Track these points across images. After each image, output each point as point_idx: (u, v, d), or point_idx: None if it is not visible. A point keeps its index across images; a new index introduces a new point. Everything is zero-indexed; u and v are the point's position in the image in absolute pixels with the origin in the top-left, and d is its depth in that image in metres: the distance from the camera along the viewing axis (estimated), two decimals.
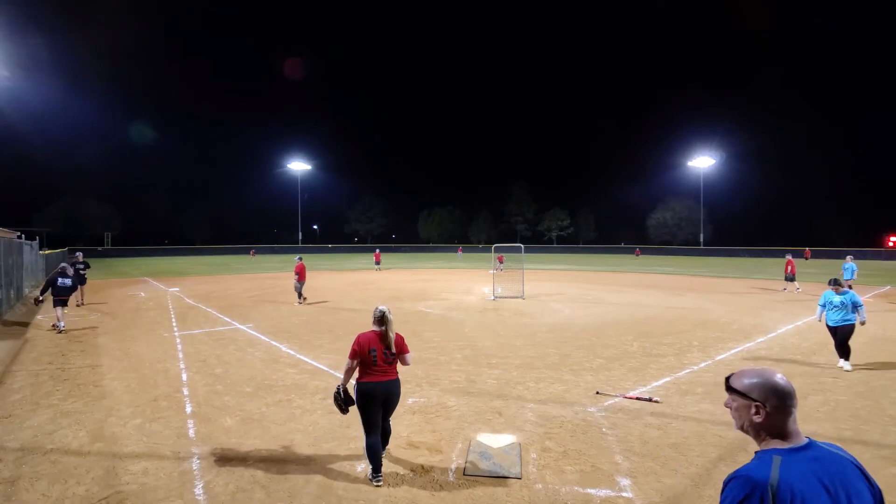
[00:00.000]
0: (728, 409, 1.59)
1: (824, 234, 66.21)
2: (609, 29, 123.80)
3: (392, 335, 4.16)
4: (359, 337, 4.14)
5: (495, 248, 21.11)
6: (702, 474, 4.19)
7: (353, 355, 4.08)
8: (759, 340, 9.79)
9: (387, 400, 4.17)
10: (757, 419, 1.48)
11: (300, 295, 15.87)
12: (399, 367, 4.30)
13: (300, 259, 16.22)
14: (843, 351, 7.63)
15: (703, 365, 7.87)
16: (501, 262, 32.69)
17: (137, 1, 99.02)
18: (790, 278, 19.01)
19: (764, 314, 13.27)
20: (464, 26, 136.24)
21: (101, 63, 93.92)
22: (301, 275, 15.73)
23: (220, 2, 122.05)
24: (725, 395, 1.45)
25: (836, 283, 7.83)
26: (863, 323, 7.58)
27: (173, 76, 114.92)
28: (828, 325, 7.78)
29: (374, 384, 4.07)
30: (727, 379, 1.60)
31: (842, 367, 7.56)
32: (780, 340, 9.81)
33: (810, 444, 1.45)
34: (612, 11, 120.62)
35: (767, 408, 1.46)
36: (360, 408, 4.10)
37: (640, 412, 5.70)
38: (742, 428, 1.55)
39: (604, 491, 3.93)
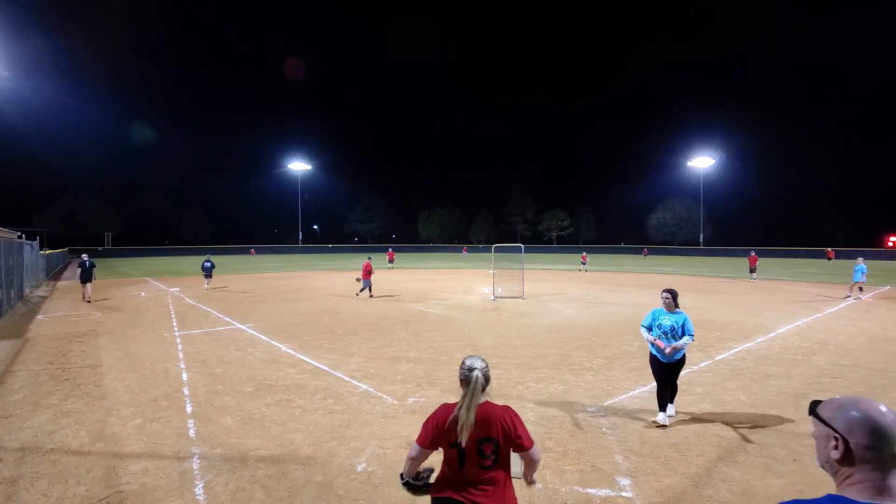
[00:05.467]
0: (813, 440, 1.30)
1: (824, 234, 66.22)
2: (609, 30, 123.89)
3: (471, 415, 2.22)
4: (438, 412, 2.35)
5: (495, 248, 21.09)
6: (702, 474, 4.19)
7: (424, 441, 2.32)
8: (758, 340, 9.79)
9: None
10: (834, 455, 1.19)
11: (369, 290, 17.19)
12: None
13: (369, 258, 18.12)
14: (674, 388, 5.47)
15: (703, 365, 7.87)
16: (585, 261, 33.12)
17: (138, 1, 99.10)
18: (752, 269, 23.42)
19: (764, 314, 13.26)
20: (465, 27, 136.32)
21: (101, 63, 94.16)
22: (364, 272, 17.24)
23: (220, 2, 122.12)
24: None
25: (671, 296, 5.33)
26: (669, 349, 5.15)
27: (173, 76, 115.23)
28: (655, 359, 5.35)
29: None
30: (813, 403, 1.31)
31: (656, 422, 5.28)
32: (780, 340, 9.81)
33: None
34: (612, 12, 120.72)
35: (850, 444, 1.16)
36: None
37: (640, 412, 5.70)
38: (823, 465, 1.25)
39: (604, 491, 3.93)
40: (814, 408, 1.29)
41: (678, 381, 5.52)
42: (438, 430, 2.29)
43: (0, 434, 5.09)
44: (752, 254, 24.64)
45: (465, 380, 2.30)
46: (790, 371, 7.51)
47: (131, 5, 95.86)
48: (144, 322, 12.15)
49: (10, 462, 4.44)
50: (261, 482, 4.06)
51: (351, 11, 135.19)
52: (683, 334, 5.21)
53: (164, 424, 5.35)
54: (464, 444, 2.21)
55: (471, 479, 2.24)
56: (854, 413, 1.18)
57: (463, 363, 2.37)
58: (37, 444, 4.82)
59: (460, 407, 2.25)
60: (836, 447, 1.18)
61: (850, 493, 1.15)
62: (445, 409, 2.34)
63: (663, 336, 5.24)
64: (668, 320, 5.27)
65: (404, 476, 2.47)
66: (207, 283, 20.42)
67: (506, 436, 2.25)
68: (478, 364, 2.32)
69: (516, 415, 2.34)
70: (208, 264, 20.48)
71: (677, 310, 5.33)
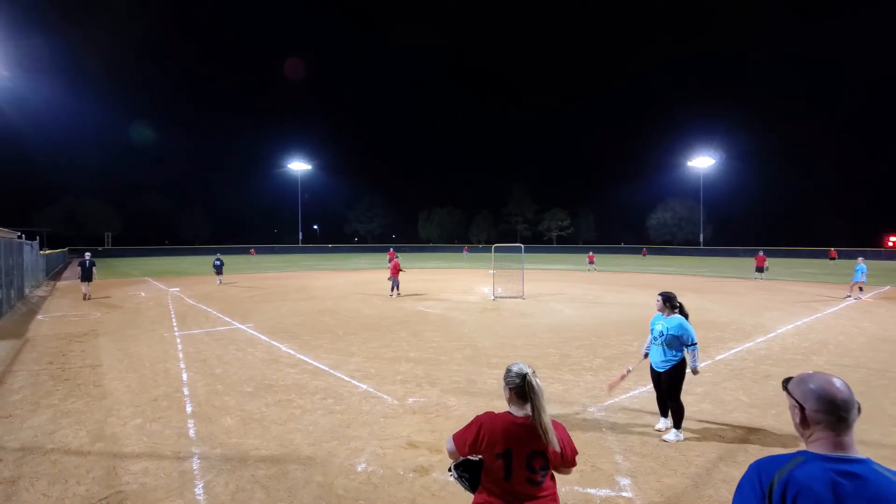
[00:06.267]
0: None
1: (824, 234, 66.20)
2: (609, 30, 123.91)
3: (548, 425, 2.13)
4: (481, 420, 2.24)
5: (495, 248, 21.09)
6: (702, 474, 4.19)
7: (462, 444, 2.24)
8: (758, 340, 9.79)
9: None
10: (795, 419, 1.48)
11: (396, 289, 17.30)
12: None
13: (397, 258, 18.51)
14: (673, 406, 4.96)
15: (702, 365, 7.86)
16: (592, 261, 33.57)
17: (138, 1, 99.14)
18: (759, 269, 24.02)
19: (764, 314, 13.26)
20: (465, 26, 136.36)
21: (102, 63, 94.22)
22: (393, 270, 17.36)
23: (220, 2, 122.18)
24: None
25: (661, 299, 5.05)
26: (694, 371, 4.87)
27: (173, 76, 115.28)
28: (651, 367, 5.12)
29: None
30: (784, 380, 1.60)
31: (659, 431, 5.08)
32: (780, 340, 9.81)
33: (860, 462, 1.34)
34: (612, 13, 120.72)
35: (807, 410, 1.43)
36: None
37: (640, 412, 5.70)
38: (795, 430, 1.53)
39: (604, 491, 3.93)
40: (785, 384, 1.57)
41: (682, 400, 4.96)
42: (481, 438, 2.18)
43: (0, 434, 5.09)
44: (760, 253, 25.01)
45: (518, 388, 2.17)
46: (790, 371, 7.51)
47: (131, 5, 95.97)
48: (144, 322, 12.15)
49: (10, 462, 4.44)
50: (261, 482, 4.06)
51: (351, 11, 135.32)
52: (677, 341, 4.81)
53: (164, 424, 5.35)
54: (555, 447, 2.12)
55: (517, 493, 2.12)
56: (809, 385, 1.46)
57: (510, 371, 2.23)
58: (37, 444, 4.82)
59: (535, 414, 2.13)
60: (799, 414, 1.47)
61: (812, 449, 1.42)
62: (492, 416, 2.23)
63: (654, 342, 5.02)
64: (660, 325, 4.98)
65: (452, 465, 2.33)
66: (220, 280, 22.51)
67: (555, 454, 2.14)
68: (526, 369, 2.22)
69: (567, 433, 2.26)
70: (218, 262, 22.63)
71: (674, 314, 4.98)
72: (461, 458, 2.29)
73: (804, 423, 1.45)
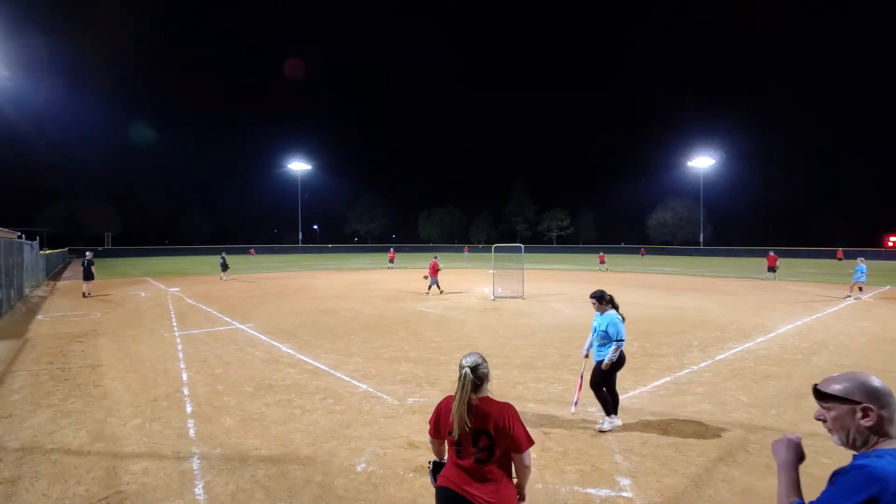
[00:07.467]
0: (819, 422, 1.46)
1: (824, 234, 66.14)
2: (610, 29, 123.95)
3: (462, 408, 2.28)
4: (441, 403, 2.50)
5: (495, 248, 21.10)
6: (702, 474, 4.19)
7: (431, 429, 2.52)
8: (758, 340, 9.79)
9: None
10: (866, 423, 1.34)
11: (438, 287, 18.33)
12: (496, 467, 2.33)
13: (436, 258, 19.54)
14: (603, 399, 5.14)
15: (703, 365, 7.87)
16: (603, 261, 34.19)
17: (137, 1, 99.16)
18: (771, 269, 24.32)
19: (764, 314, 13.26)
20: (465, 27, 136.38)
21: (102, 63, 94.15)
22: (432, 270, 18.35)
23: (220, 1, 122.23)
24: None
25: (600, 299, 5.21)
26: (601, 363, 5.07)
27: (173, 76, 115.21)
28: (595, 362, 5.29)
29: (446, 493, 2.33)
30: (815, 387, 1.46)
31: (600, 427, 5.12)
32: (780, 340, 9.80)
33: None
34: (613, 12, 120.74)
35: (876, 408, 1.34)
36: None
37: (639, 412, 5.69)
38: (847, 438, 1.39)
39: (604, 491, 3.93)
40: (823, 392, 1.42)
41: (609, 390, 5.16)
42: (439, 419, 2.44)
43: (0, 434, 5.09)
44: (771, 253, 25.30)
45: (461, 376, 2.38)
46: (790, 371, 7.51)
47: (131, 5, 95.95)
48: (144, 322, 12.15)
49: (10, 462, 4.44)
50: (261, 482, 4.06)
51: (351, 11, 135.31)
52: (607, 336, 5.04)
53: (164, 424, 5.35)
54: (455, 437, 2.30)
55: (468, 470, 2.30)
56: (866, 384, 1.36)
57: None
58: (37, 444, 4.82)
59: (460, 402, 2.33)
60: (865, 416, 1.34)
61: (886, 446, 1.31)
62: (450, 399, 2.44)
63: (595, 337, 5.26)
64: (595, 321, 5.30)
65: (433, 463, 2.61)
66: (223, 276, 25.25)
67: (498, 430, 2.25)
68: (467, 361, 2.37)
69: (516, 414, 2.33)
70: (222, 260, 25.80)
71: (608, 311, 5.18)
72: (437, 458, 2.59)
73: (878, 425, 1.33)
